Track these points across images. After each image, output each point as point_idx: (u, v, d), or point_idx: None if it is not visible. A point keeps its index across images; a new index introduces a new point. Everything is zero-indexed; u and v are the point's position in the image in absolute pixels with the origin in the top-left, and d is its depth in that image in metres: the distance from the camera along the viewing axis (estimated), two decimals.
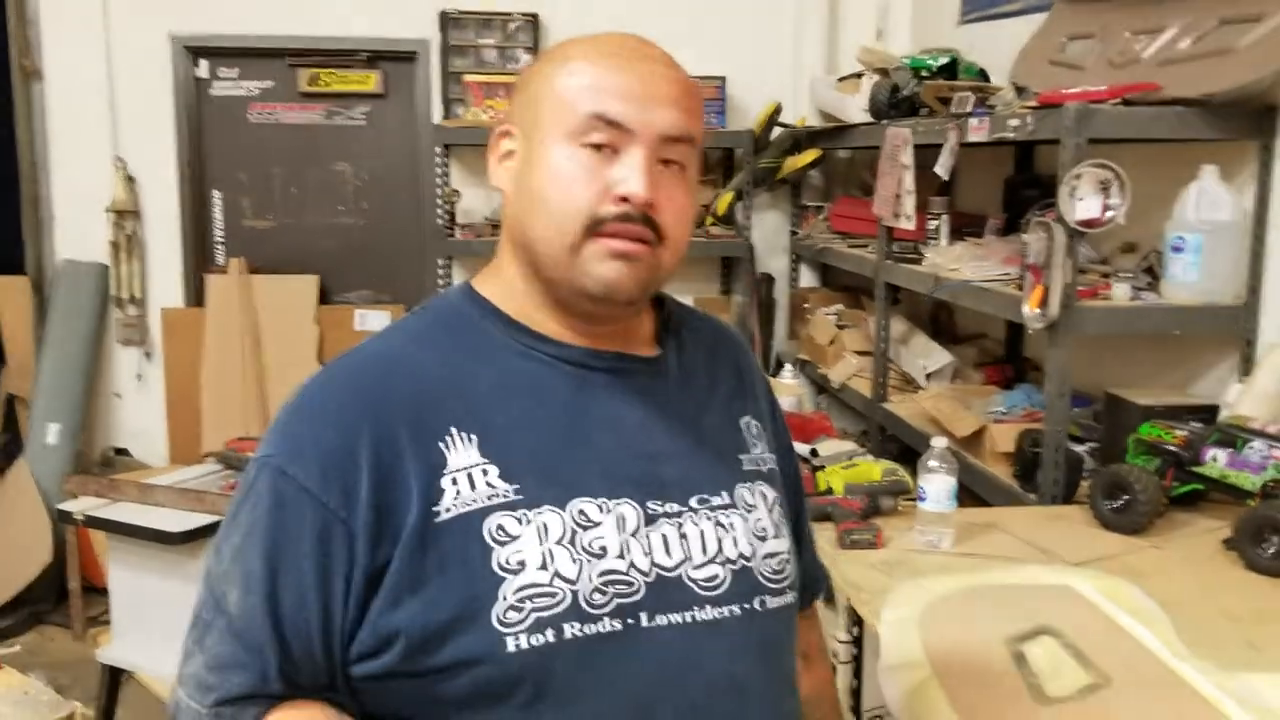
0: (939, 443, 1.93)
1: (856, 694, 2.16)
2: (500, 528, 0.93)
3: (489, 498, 0.94)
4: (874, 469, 2.25)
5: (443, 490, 0.94)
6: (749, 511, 1.05)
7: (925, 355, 3.27)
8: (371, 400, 0.97)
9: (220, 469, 2.86)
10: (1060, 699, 1.36)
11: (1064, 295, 2.16)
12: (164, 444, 4.31)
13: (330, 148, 4.38)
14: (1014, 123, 2.38)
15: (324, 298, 4.36)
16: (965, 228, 3.23)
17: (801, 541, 1.20)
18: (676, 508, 1.01)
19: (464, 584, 0.91)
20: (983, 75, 3.04)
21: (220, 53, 4.29)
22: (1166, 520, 2.01)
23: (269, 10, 4.19)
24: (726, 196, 4.01)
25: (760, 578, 1.03)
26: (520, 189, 1.01)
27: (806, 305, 4.10)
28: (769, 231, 4.37)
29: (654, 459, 1.02)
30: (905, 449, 3.16)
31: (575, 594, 0.93)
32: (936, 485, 1.91)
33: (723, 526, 1.02)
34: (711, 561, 1.00)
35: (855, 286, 4.06)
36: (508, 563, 0.92)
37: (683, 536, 1.00)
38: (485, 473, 0.95)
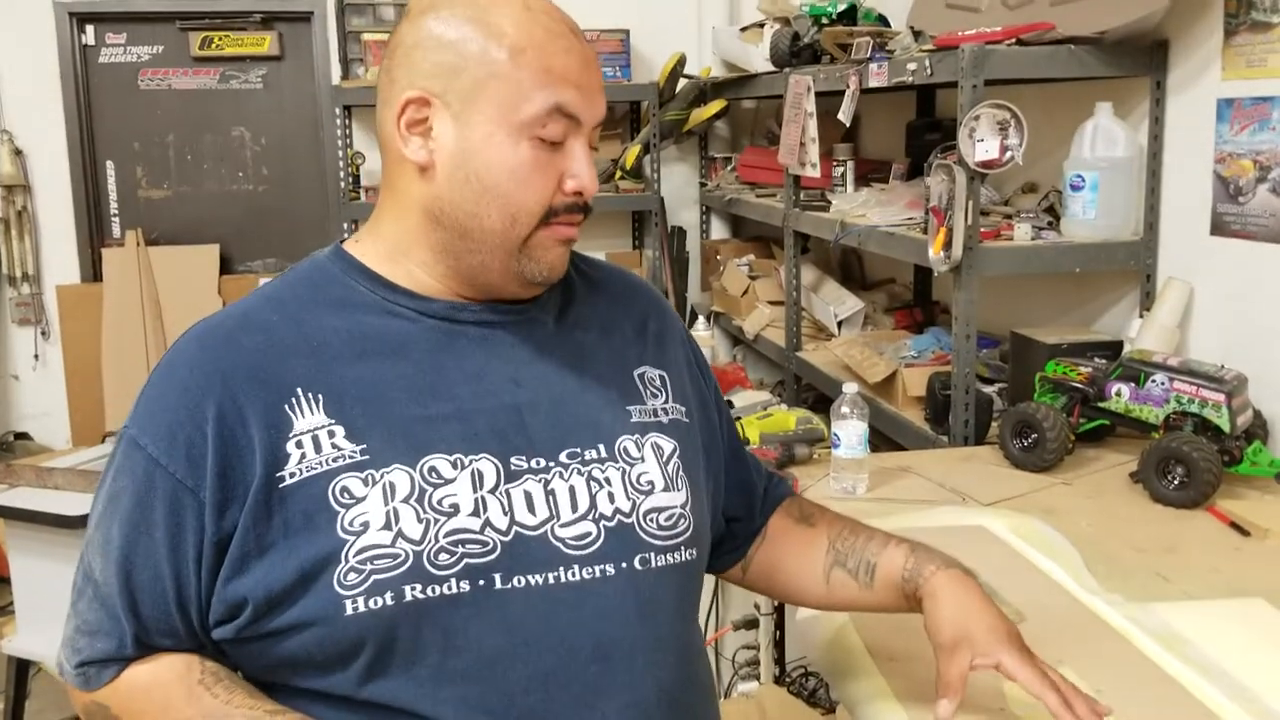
0: (850, 389, 1.93)
1: (780, 645, 2.18)
2: (345, 489, 0.92)
3: (334, 460, 0.92)
4: (788, 418, 2.26)
5: (288, 454, 0.92)
6: (631, 465, 1.01)
7: (836, 302, 3.28)
8: (216, 366, 0.95)
9: None
10: None
11: (967, 237, 2.18)
12: (66, 425, 4.17)
13: (226, 113, 4.24)
14: (912, 66, 2.38)
15: (227, 267, 4.25)
16: (870, 174, 3.25)
17: (748, 471, 1.23)
18: (544, 463, 0.97)
19: (308, 548, 0.90)
20: (882, 21, 3.04)
21: (107, 18, 4.12)
22: (1075, 457, 2.05)
23: None
24: (634, 150, 3.97)
25: (642, 534, 0.99)
26: (454, 171, 0.97)
27: (718, 257, 4.09)
28: (678, 184, 4.35)
29: (521, 412, 0.99)
30: (821, 397, 3.19)
31: (419, 555, 0.90)
32: (849, 431, 1.92)
33: (596, 481, 0.98)
34: (583, 518, 0.96)
35: (765, 236, 4.06)
36: (351, 525, 0.90)
37: (550, 493, 0.96)
38: (331, 434, 0.93)
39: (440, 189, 0.98)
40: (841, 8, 3.04)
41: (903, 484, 1.98)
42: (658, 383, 1.10)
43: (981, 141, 2.15)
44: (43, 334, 4.20)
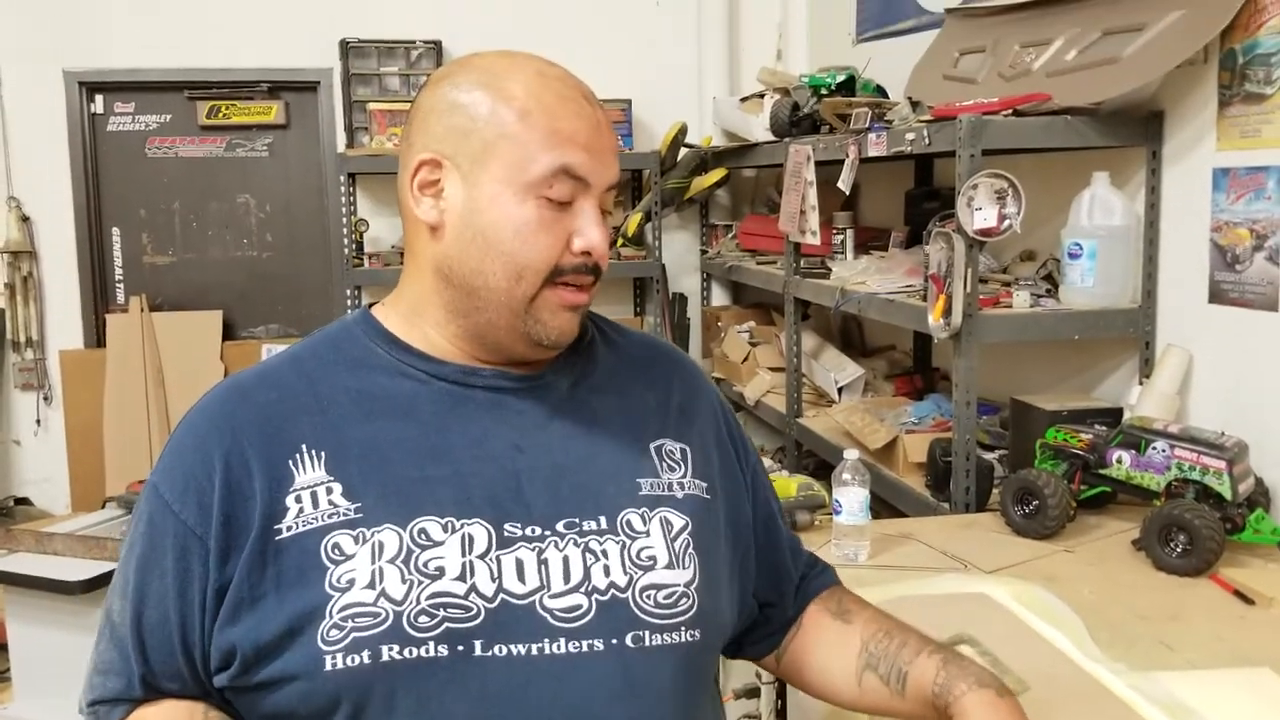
0: (851, 455, 1.93)
1: (782, 715, 2.15)
2: (337, 546, 0.92)
3: (330, 516, 0.93)
4: (789, 484, 2.26)
5: (287, 508, 0.94)
6: (633, 538, 0.98)
7: (837, 369, 3.29)
8: (230, 419, 0.98)
9: (121, 513, 2.76)
10: None
11: (966, 304, 2.19)
12: (66, 491, 4.16)
13: (232, 180, 4.29)
14: (910, 136, 2.42)
15: (230, 333, 4.27)
16: (870, 242, 3.28)
17: (781, 554, 1.20)
18: (539, 531, 0.96)
19: (296, 602, 0.91)
20: (880, 91, 3.09)
21: (116, 87, 4.19)
22: (1077, 524, 2.04)
23: (166, 44, 4.10)
24: (636, 217, 4.01)
25: (637, 611, 0.95)
26: (463, 230, 0.98)
27: (719, 323, 4.11)
28: (679, 251, 4.38)
29: (519, 478, 0.98)
30: (821, 463, 3.18)
31: (399, 615, 0.90)
32: (850, 498, 1.91)
33: (593, 553, 0.96)
34: (574, 590, 0.94)
35: (766, 303, 4.08)
36: (339, 581, 0.91)
37: (543, 562, 0.94)
38: (329, 490, 0.94)
39: (449, 248, 0.99)
40: (840, 79, 3.09)
41: (904, 551, 1.97)
42: (676, 456, 1.07)
43: (980, 210, 2.17)
44: (45, 399, 4.21)
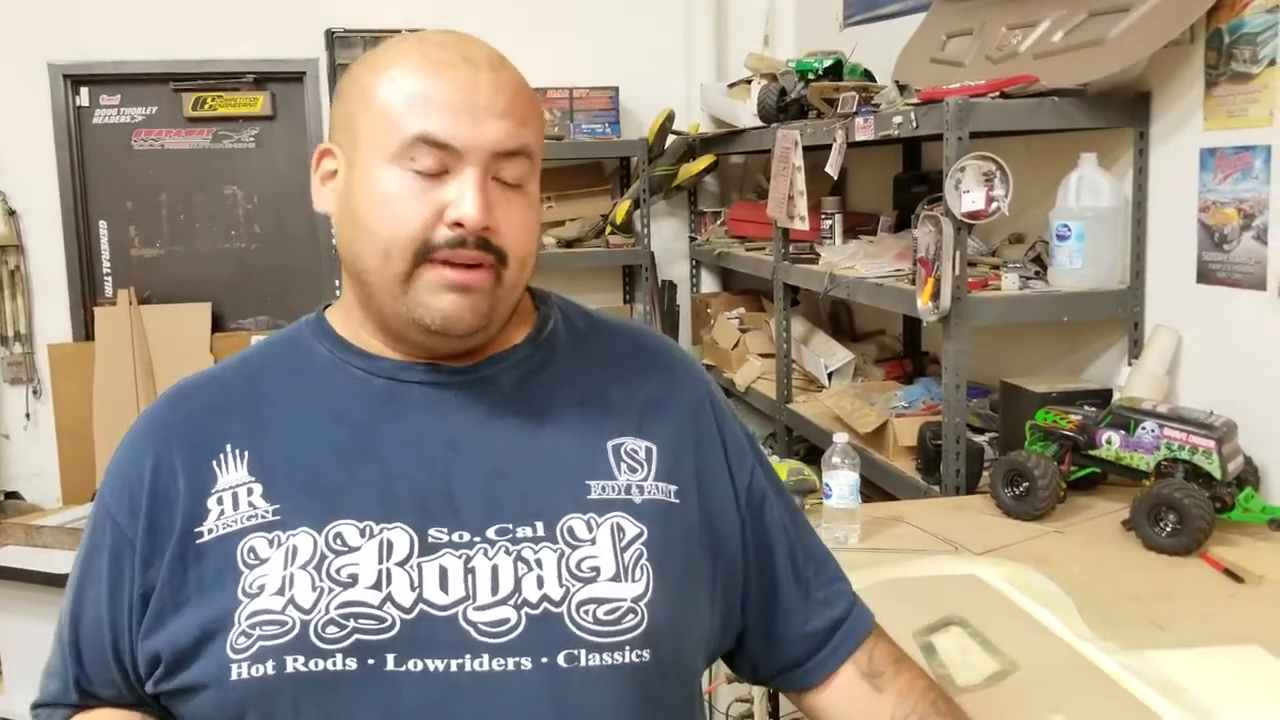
0: (840, 439, 1.93)
1: (774, 699, 2.16)
2: (253, 550, 0.88)
3: (248, 518, 0.90)
4: (780, 470, 2.26)
5: (207, 510, 0.91)
6: (574, 547, 0.90)
7: (826, 354, 3.29)
8: (166, 421, 0.97)
9: None
10: (970, 688, 1.36)
11: (955, 287, 2.19)
12: (57, 485, 4.15)
13: (219, 172, 4.27)
14: (898, 120, 2.41)
15: (219, 325, 4.26)
16: (859, 226, 3.27)
17: (802, 588, 1.04)
18: (467, 537, 0.88)
19: (212, 607, 0.87)
20: (867, 76, 3.08)
21: (101, 80, 4.16)
22: (1067, 505, 2.04)
23: (151, 36, 4.08)
24: (624, 205, 4.01)
25: (572, 627, 0.87)
26: (345, 214, 0.94)
27: (709, 310, 4.11)
28: (668, 238, 4.38)
29: (450, 480, 0.91)
30: (812, 448, 3.18)
31: (305, 624, 0.84)
32: (840, 481, 1.91)
33: (525, 562, 0.88)
34: (502, 603, 0.86)
35: (756, 289, 4.08)
36: (251, 587, 0.87)
37: (469, 571, 0.87)
38: (250, 492, 0.91)
39: (339, 236, 0.96)
40: (827, 64, 3.08)
41: (895, 534, 1.97)
42: (640, 455, 0.97)
43: (968, 193, 2.17)
44: (34, 393, 4.19)
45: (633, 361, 1.04)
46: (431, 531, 0.88)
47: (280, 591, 0.86)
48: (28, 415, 4.20)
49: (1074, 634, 1.49)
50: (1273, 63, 1.94)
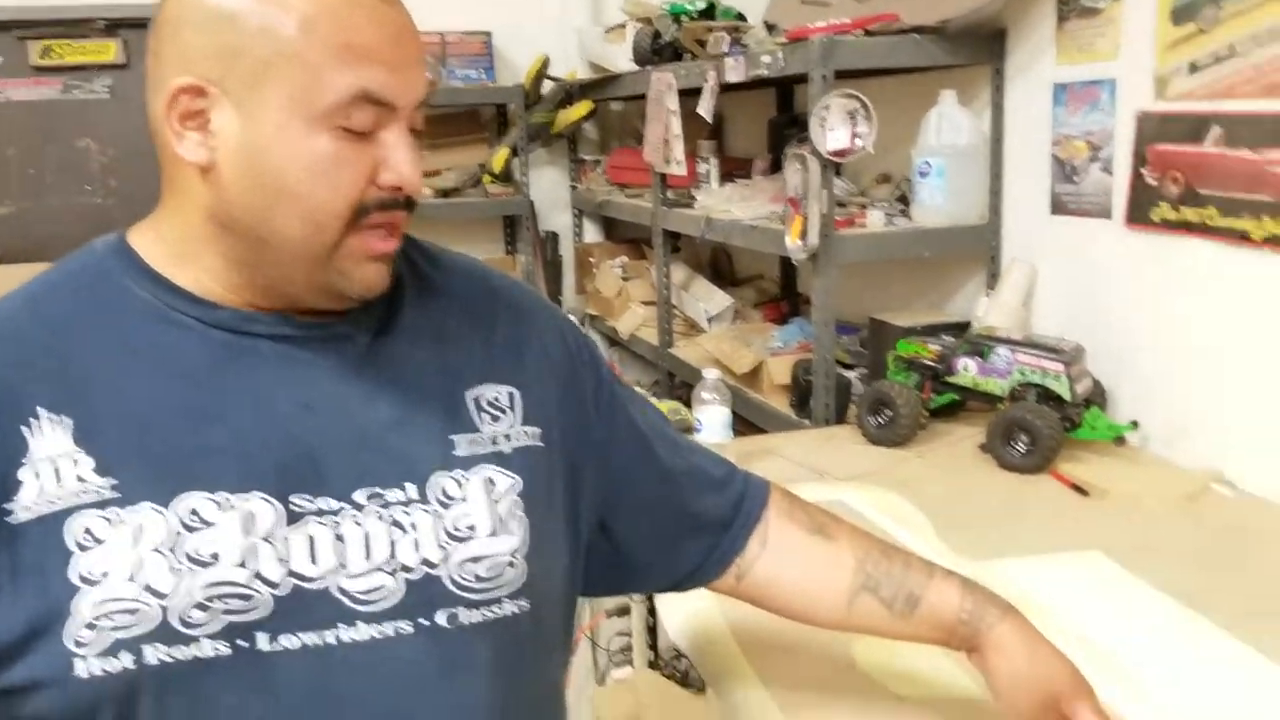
0: (710, 374, 1.96)
1: (654, 631, 2.19)
2: (87, 530, 0.78)
3: (78, 494, 0.79)
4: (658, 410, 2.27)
5: (20, 483, 0.79)
6: (447, 506, 0.87)
7: (706, 300, 3.32)
8: None
9: None
10: None
11: (822, 225, 2.22)
12: None
13: (70, 124, 4.07)
14: (766, 59, 2.42)
15: None
16: (735, 171, 3.29)
17: (690, 509, 1.06)
18: (334, 504, 0.83)
19: (37, 596, 0.77)
20: (740, 18, 3.09)
21: None
22: (929, 432, 2.10)
23: None
24: (502, 153, 3.95)
25: (452, 587, 0.85)
26: (244, 172, 0.81)
27: (591, 259, 4.10)
28: (548, 187, 4.34)
29: (311, 443, 0.84)
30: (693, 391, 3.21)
31: (166, 611, 0.77)
32: (711, 416, 1.94)
33: (400, 526, 0.84)
34: (378, 569, 0.83)
35: (638, 238, 4.08)
36: (89, 573, 0.77)
37: (339, 539, 0.82)
38: (76, 463, 0.80)
39: (228, 193, 0.82)
40: (701, 6, 3.08)
41: (765, 465, 2.01)
42: (503, 402, 0.93)
43: (833, 131, 2.19)
44: None
45: (481, 302, 0.99)
46: (294, 499, 0.82)
47: (131, 577, 0.78)
48: None
49: (930, 550, 1.54)
50: None
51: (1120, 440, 1.94)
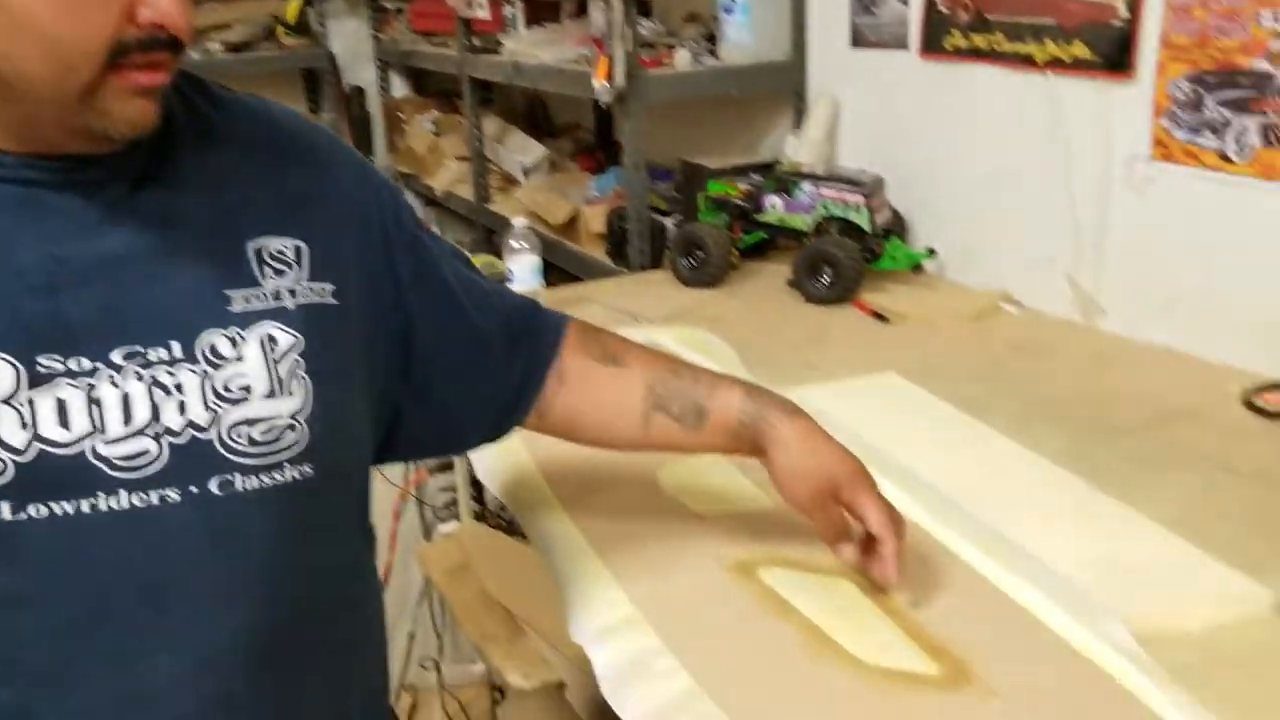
0: (519, 222, 1.93)
1: (478, 484, 2.19)
2: None
3: None
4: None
5: None
6: (218, 366, 0.81)
7: (521, 151, 3.25)
8: None
9: None
10: None
11: (628, 65, 2.18)
12: None
13: None
14: None
15: None
16: (542, 14, 3.19)
17: (486, 360, 1.03)
18: (87, 364, 0.77)
19: None
20: None
21: None
22: (741, 271, 2.14)
23: None
24: (294, 3, 3.72)
25: (224, 452, 0.80)
26: None
27: (401, 115, 3.94)
28: (350, 39, 4.11)
29: (59, 299, 0.77)
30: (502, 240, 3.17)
31: None
32: (522, 263, 1.92)
33: (163, 388, 0.78)
34: (139, 434, 0.77)
35: (448, 91, 3.94)
36: None
37: (94, 402, 0.76)
38: None
39: None
40: None
41: (580, 311, 1.94)
42: (288, 255, 0.87)
43: None
44: None
45: (270, 147, 0.91)
46: (41, 360, 0.75)
47: None
48: None
49: None
50: None
51: (918, 268, 2.01)
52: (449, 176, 3.53)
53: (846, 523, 1.03)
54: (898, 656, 0.92)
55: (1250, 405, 1.43)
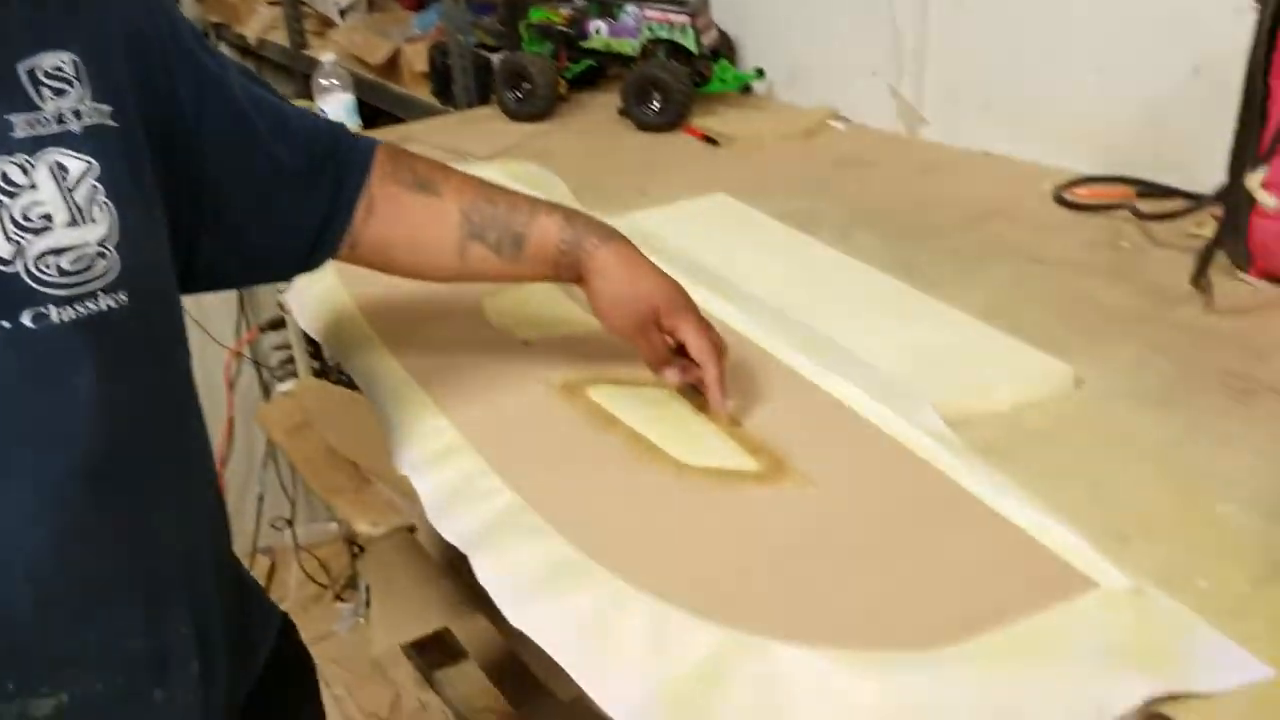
0: (326, 58, 1.82)
1: (313, 340, 2.13)
2: None
3: None
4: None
5: None
6: (12, 195, 0.76)
7: None
8: None
9: None
10: None
11: None
12: None
13: None
14: None
15: None
16: None
17: (285, 193, 0.98)
18: None
19: None
20: None
21: None
22: (572, 103, 2.08)
23: None
24: None
25: (32, 283, 0.76)
26: None
27: None
28: None
29: None
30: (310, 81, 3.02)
31: None
32: (334, 103, 1.83)
33: None
34: None
35: None
36: None
37: None
38: None
39: None
40: None
41: None
42: (67, 72, 0.81)
43: None
44: None
45: None
46: None
47: None
48: None
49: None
50: None
51: (747, 89, 1.98)
52: (261, 23, 3.32)
53: (668, 347, 1.03)
54: (719, 457, 0.94)
55: (1060, 200, 1.47)
